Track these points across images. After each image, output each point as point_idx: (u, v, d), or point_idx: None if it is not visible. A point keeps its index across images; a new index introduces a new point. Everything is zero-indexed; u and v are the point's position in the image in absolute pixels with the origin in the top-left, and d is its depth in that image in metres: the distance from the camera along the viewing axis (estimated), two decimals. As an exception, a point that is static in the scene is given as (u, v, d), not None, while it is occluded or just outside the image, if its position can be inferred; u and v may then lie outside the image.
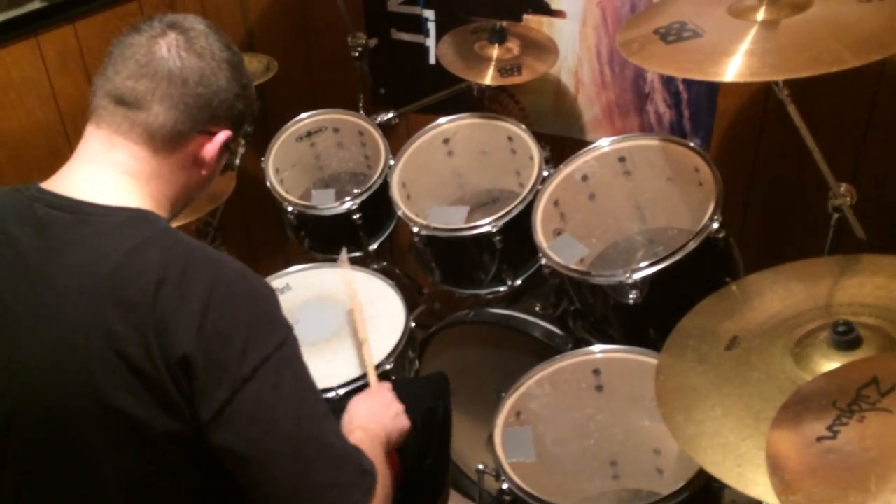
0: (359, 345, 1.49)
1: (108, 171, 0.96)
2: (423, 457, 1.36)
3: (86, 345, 0.86)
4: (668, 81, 1.85)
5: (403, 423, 1.19)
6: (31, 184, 0.96)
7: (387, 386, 1.28)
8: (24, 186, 0.96)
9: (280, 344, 0.90)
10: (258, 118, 1.12)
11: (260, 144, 1.98)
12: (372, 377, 1.38)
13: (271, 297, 0.94)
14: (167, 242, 0.91)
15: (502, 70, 1.75)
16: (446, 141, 1.90)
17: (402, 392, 1.26)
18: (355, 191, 1.84)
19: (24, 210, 0.93)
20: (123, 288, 0.86)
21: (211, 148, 1.01)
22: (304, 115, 2.01)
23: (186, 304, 0.86)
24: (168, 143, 0.97)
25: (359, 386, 1.43)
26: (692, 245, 1.39)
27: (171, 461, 0.91)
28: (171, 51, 0.97)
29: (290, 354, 0.92)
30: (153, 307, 0.85)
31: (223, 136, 1.02)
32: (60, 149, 1.77)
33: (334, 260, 1.87)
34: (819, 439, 0.77)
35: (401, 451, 1.24)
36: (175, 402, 0.86)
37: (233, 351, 0.87)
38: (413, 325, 1.61)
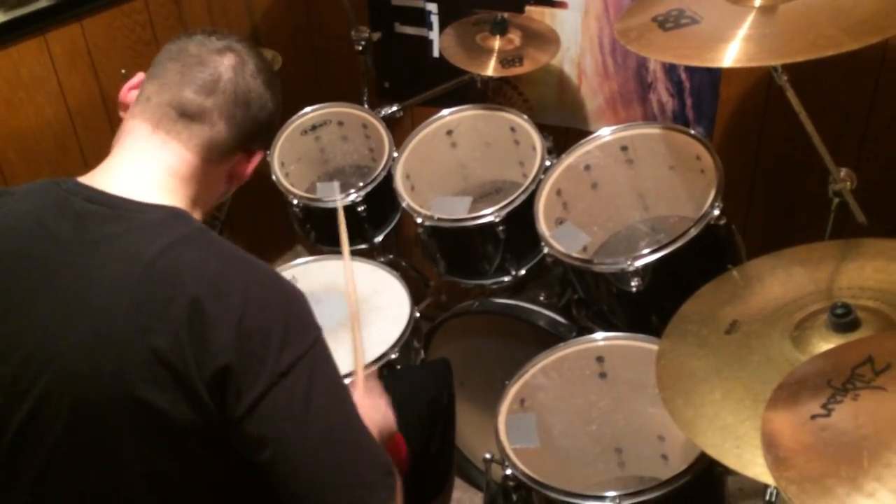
0: (351, 329, 1.48)
1: (153, 168, 0.99)
2: (429, 444, 1.37)
3: (117, 336, 0.88)
4: (670, 70, 1.85)
5: (390, 421, 1.19)
6: (68, 178, 0.99)
7: (372, 377, 1.26)
8: (63, 180, 0.98)
9: (313, 343, 0.92)
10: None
11: (265, 139, 1.99)
12: (359, 371, 1.37)
13: (303, 298, 0.96)
14: (202, 242, 0.93)
15: (504, 61, 1.76)
16: (449, 132, 1.92)
17: (405, 381, 1.27)
18: (360, 183, 1.85)
19: (62, 204, 0.95)
20: (157, 284, 0.88)
21: (249, 166, 1.07)
22: (308, 108, 2.02)
23: (223, 303, 0.88)
24: (218, 156, 1.02)
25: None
26: (693, 232, 1.40)
27: (194, 454, 0.92)
28: (237, 73, 1.01)
29: (322, 354, 0.94)
30: (187, 305, 0.87)
31: (260, 155, 1.08)
32: (69, 145, 1.80)
33: (339, 252, 1.89)
34: (813, 417, 0.78)
35: (407, 438, 1.25)
36: (201, 397, 0.88)
37: (271, 347, 0.88)
38: (418, 315, 1.63)
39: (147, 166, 0.99)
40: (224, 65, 1.01)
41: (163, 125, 0.99)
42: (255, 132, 1.04)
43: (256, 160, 1.08)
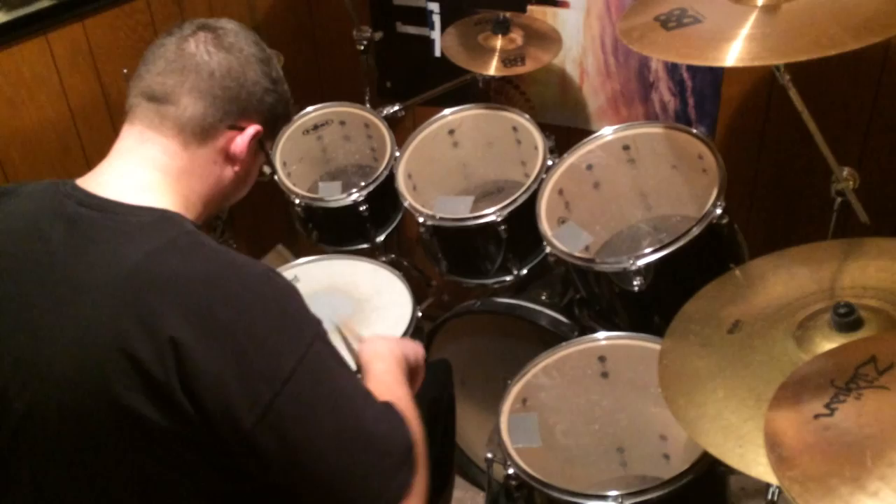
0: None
1: (140, 167, 0.98)
2: (430, 444, 1.36)
3: (100, 343, 0.86)
4: (672, 70, 1.85)
5: (419, 348, 1.19)
6: (68, 179, 0.98)
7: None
8: (62, 182, 0.98)
9: (312, 340, 0.90)
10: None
11: (267, 138, 2.00)
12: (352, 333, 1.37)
13: (296, 294, 0.94)
14: (188, 247, 0.91)
15: (506, 60, 1.76)
16: (451, 132, 1.92)
17: None
18: (361, 183, 1.85)
19: (57, 207, 0.95)
20: (140, 289, 0.86)
21: (241, 142, 1.02)
22: (310, 108, 2.03)
23: (209, 315, 0.85)
24: (197, 135, 0.99)
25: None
26: (695, 231, 1.40)
27: (182, 461, 0.91)
28: (199, 47, 1.00)
29: (322, 349, 0.92)
30: (170, 315, 0.85)
31: (253, 130, 1.03)
32: (71, 145, 1.80)
33: (343, 252, 1.90)
34: (816, 417, 0.78)
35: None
36: (182, 407, 0.86)
37: (268, 353, 0.86)
38: (420, 314, 1.63)
39: (134, 166, 0.98)
40: (189, 43, 1.00)
41: (137, 116, 0.99)
42: (235, 105, 1.01)
43: (250, 135, 1.03)
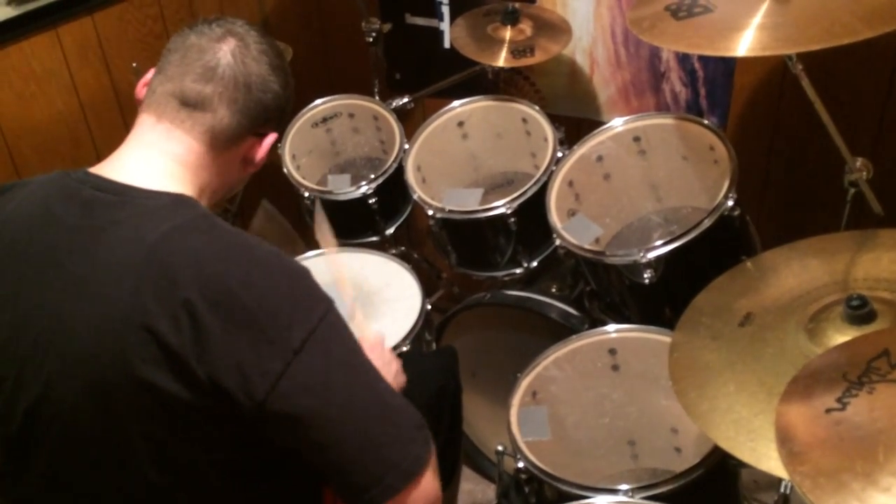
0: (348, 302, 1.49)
1: (160, 158, 1.01)
2: (436, 434, 1.36)
3: (120, 319, 0.89)
4: (683, 60, 1.83)
5: (402, 380, 1.22)
6: (78, 168, 1.01)
7: (380, 340, 1.29)
8: (73, 171, 1.00)
9: (324, 315, 0.93)
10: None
11: (276, 131, 2.00)
12: (364, 332, 1.38)
13: (307, 274, 0.97)
14: (204, 227, 0.95)
15: (515, 51, 1.75)
16: (461, 124, 1.91)
17: (412, 369, 1.27)
18: (371, 175, 1.85)
19: (70, 192, 0.97)
20: (159, 268, 0.89)
21: (262, 150, 1.08)
22: (319, 101, 2.02)
23: (224, 290, 0.89)
24: (225, 142, 1.03)
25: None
26: (707, 223, 1.39)
27: (200, 434, 0.93)
28: (236, 57, 1.02)
29: (334, 324, 0.95)
30: (186, 292, 0.88)
31: (272, 138, 1.09)
32: (82, 138, 1.81)
33: (352, 244, 1.89)
34: (828, 411, 0.77)
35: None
36: (199, 380, 0.88)
37: (279, 327, 0.89)
38: (429, 307, 1.63)
39: (153, 155, 1.01)
40: (223, 50, 1.02)
41: (166, 115, 1.01)
42: (262, 115, 1.05)
43: (269, 143, 1.09)
